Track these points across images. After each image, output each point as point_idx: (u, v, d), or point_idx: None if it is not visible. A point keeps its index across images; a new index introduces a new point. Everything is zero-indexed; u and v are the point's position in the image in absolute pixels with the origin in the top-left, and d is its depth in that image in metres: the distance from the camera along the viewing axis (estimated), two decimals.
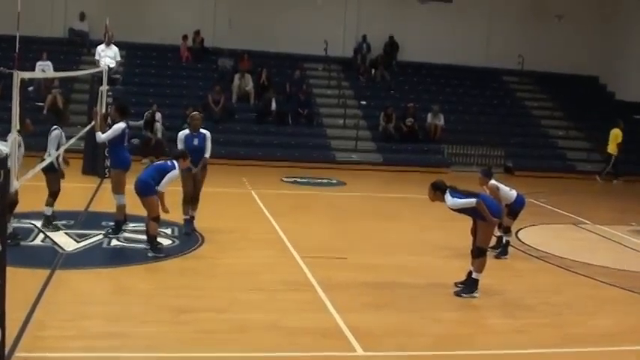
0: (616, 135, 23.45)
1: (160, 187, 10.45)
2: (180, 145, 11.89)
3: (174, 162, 10.70)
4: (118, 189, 11.68)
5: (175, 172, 10.59)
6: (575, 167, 24.23)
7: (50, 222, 11.68)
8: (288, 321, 8.37)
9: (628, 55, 27.50)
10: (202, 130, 12.18)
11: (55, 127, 11.52)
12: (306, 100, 24.26)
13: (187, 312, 8.42)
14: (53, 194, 11.66)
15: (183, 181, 11.88)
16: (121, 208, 11.72)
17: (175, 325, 8.02)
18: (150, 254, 10.59)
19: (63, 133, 11.60)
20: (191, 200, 12.09)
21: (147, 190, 10.48)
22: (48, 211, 11.68)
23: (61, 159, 11.62)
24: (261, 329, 8.05)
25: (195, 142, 12.06)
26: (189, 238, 11.78)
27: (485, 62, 28.13)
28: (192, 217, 12.20)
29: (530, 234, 14.00)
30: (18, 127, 7.06)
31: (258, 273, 10.26)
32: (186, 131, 12.15)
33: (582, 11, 28.30)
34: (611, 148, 23.41)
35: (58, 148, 11.36)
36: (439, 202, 9.63)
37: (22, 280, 9.11)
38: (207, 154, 12.18)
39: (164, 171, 10.54)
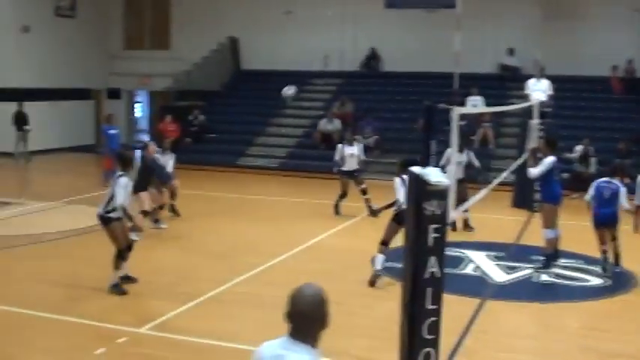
0: None
1: None
2: None
3: None
4: (548, 223, 11.60)
5: None
6: None
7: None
8: None
9: None
10: None
11: None
12: None
13: (614, 356, 8.08)
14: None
15: None
16: (550, 242, 11.60)
17: None
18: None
19: None
20: None
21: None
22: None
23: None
24: None
25: None
26: (621, 278, 11.26)
27: None
28: None
29: None
30: (457, 161, 7.41)
31: None
32: None
33: None
34: None
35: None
36: None
37: (453, 307, 9.51)
38: None
39: None
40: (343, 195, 15.55)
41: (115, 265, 9.64)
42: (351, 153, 15.62)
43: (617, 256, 11.40)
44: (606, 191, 11.21)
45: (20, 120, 24.23)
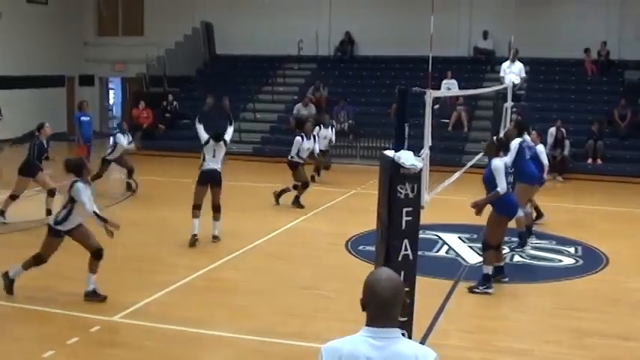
0: None
1: None
2: None
3: None
4: (521, 202, 11.65)
5: None
6: None
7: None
8: None
9: None
10: None
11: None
12: None
13: (589, 336, 8.16)
14: None
15: None
16: (519, 220, 11.66)
17: (577, 349, 7.82)
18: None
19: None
20: None
21: None
22: None
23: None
24: None
25: None
26: (592, 258, 11.39)
27: None
28: None
29: None
30: (430, 144, 7.44)
31: None
32: None
33: None
34: None
35: None
36: None
37: (426, 289, 9.56)
38: None
39: None
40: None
41: (25, 264, 8.91)
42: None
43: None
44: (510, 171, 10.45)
45: None
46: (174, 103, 25.27)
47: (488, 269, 9.58)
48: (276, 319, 8.44)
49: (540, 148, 12.71)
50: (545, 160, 12.59)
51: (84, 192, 8.70)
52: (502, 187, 9.48)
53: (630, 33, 24.49)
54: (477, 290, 9.50)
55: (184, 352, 7.59)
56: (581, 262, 11.24)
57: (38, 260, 8.90)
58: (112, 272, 10.02)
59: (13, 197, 13.27)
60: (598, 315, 8.89)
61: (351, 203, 15.37)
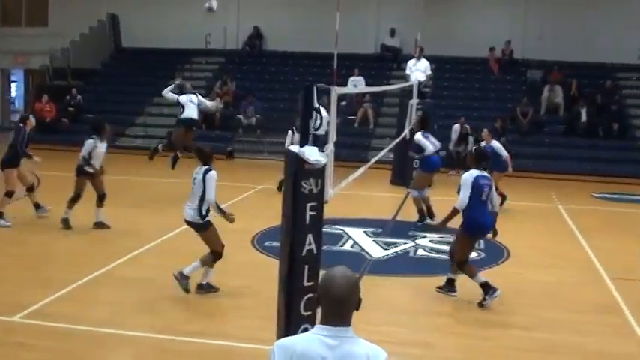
0: None
1: None
2: None
3: None
4: (417, 185, 12.94)
5: None
6: None
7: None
8: (595, 344, 7.98)
9: None
10: None
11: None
12: (617, 112, 22.94)
13: (493, 327, 8.36)
14: None
15: None
16: (415, 200, 12.96)
17: (481, 340, 7.99)
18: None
19: None
20: None
21: None
22: None
23: None
24: (567, 351, 7.75)
25: None
26: (493, 251, 11.68)
27: None
28: None
29: None
30: (335, 139, 7.46)
31: (564, 292, 9.89)
32: None
33: None
34: None
35: None
36: None
37: None
38: None
39: None
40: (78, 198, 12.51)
41: (206, 262, 8.99)
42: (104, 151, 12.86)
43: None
44: (486, 189, 9.10)
45: None
46: (78, 96, 24.69)
47: (480, 279, 9.09)
48: (181, 317, 8.35)
49: (496, 144, 14.12)
50: (505, 153, 14.06)
51: (215, 182, 8.76)
52: (460, 201, 8.90)
53: (533, 33, 25.21)
54: (485, 302, 8.97)
55: (87, 351, 7.41)
56: (483, 255, 11.49)
57: (217, 256, 8.97)
58: (9, 271, 9.74)
59: (9, 194, 12.28)
60: (501, 307, 9.09)
61: (257, 199, 15.33)
